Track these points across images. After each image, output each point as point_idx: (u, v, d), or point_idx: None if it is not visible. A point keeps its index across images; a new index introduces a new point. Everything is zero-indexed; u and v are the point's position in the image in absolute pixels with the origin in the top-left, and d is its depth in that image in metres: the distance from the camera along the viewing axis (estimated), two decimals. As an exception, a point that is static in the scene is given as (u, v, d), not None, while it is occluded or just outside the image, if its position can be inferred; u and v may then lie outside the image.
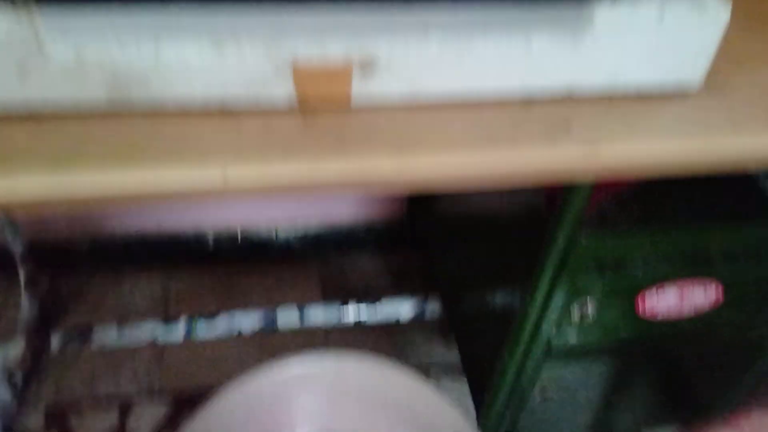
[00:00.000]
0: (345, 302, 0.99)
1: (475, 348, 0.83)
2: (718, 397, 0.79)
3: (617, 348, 0.67)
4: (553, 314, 0.61)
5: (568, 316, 0.62)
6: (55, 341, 0.88)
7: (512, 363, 0.66)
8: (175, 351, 1.05)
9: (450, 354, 1.09)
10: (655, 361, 0.71)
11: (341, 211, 1.16)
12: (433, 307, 0.96)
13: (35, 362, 1.01)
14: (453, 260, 0.93)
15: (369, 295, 1.08)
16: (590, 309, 0.61)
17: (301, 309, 0.93)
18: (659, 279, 0.61)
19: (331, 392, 0.82)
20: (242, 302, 1.12)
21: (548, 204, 0.55)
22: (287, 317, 0.91)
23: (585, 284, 0.59)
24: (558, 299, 0.60)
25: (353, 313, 0.95)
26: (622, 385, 0.74)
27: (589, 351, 0.66)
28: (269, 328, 0.89)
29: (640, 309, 0.62)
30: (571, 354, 0.66)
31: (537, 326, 0.62)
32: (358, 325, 1.08)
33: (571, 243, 0.54)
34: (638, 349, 0.68)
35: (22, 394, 0.98)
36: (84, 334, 0.88)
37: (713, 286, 0.63)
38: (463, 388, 1.02)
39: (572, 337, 0.64)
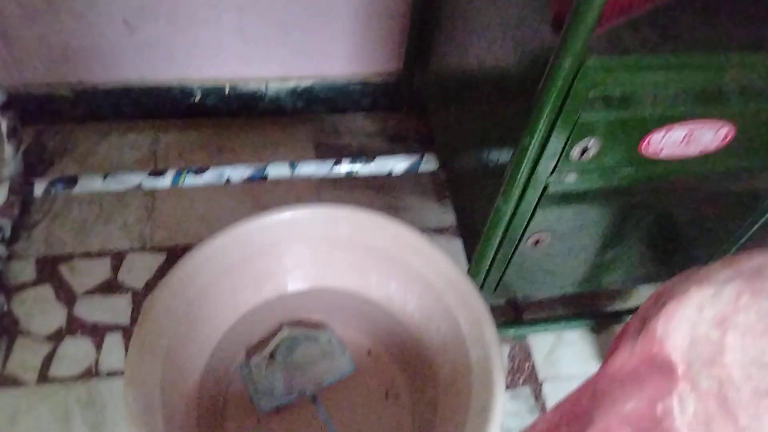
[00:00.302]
0: (338, 162, 0.95)
1: (471, 205, 0.81)
2: (717, 250, 0.78)
3: (616, 192, 0.64)
4: (551, 154, 0.58)
5: (568, 156, 0.58)
6: (39, 189, 0.85)
7: (506, 207, 0.64)
8: (165, 204, 1.03)
9: (445, 216, 1.07)
10: (653, 207, 0.69)
11: (335, 66, 1.10)
12: (428, 163, 0.93)
13: (22, 213, 1.00)
14: (451, 115, 0.89)
15: (364, 155, 1.05)
16: (592, 149, 0.58)
17: (292, 165, 0.90)
18: (668, 118, 0.57)
19: (321, 242, 0.80)
20: (232, 159, 1.09)
21: (555, 22, 0.50)
22: (278, 170, 0.88)
23: (588, 121, 0.55)
24: (558, 137, 0.56)
25: (346, 168, 0.92)
26: (617, 234, 0.72)
27: (587, 194, 0.64)
28: (259, 179, 0.86)
29: (645, 149, 0.59)
30: (568, 198, 0.64)
31: (534, 167, 0.59)
32: (351, 178, 1.06)
33: (577, 67, 0.50)
34: (638, 194, 0.66)
35: (10, 245, 0.97)
36: (69, 181, 0.85)
37: (724, 126, 0.59)
38: (457, 247, 1.02)
39: (570, 179, 0.61)
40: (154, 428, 0.63)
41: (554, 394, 0.91)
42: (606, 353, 0.94)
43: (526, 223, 0.66)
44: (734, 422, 0.45)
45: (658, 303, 0.53)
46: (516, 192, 0.62)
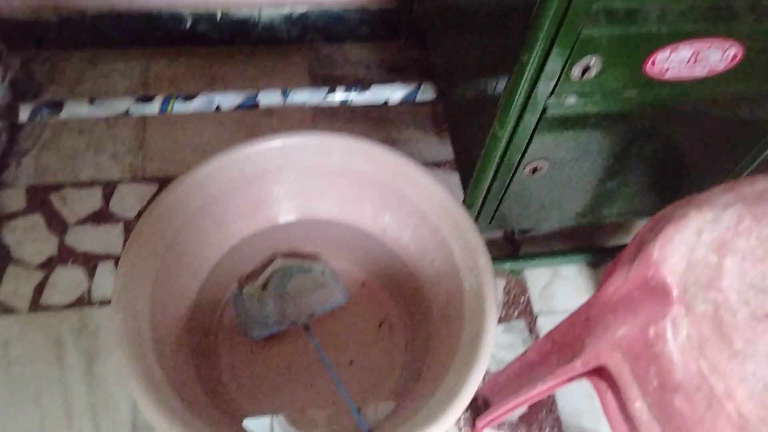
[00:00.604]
0: (332, 90, 0.92)
1: (468, 136, 0.78)
2: (721, 181, 0.75)
3: (618, 116, 0.62)
4: (551, 74, 0.55)
5: (568, 76, 0.56)
6: (24, 114, 0.83)
7: (502, 132, 0.62)
8: (156, 134, 1.01)
9: (443, 149, 1.05)
10: (657, 134, 0.66)
11: (331, -9, 1.06)
12: (426, 93, 0.90)
13: (11, 142, 0.98)
14: (450, 43, 0.85)
15: (360, 84, 1.02)
16: (593, 68, 0.55)
17: (284, 92, 0.87)
18: (675, 36, 0.54)
19: (314, 172, 0.78)
20: (224, 89, 1.06)
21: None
22: (270, 98, 0.86)
23: (590, 37, 0.52)
24: (558, 55, 0.53)
25: (340, 96, 0.89)
26: (618, 163, 0.70)
27: (587, 119, 0.61)
28: (250, 106, 0.83)
29: (649, 69, 0.56)
30: (567, 123, 0.61)
31: (532, 88, 0.57)
32: (347, 109, 1.03)
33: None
34: (641, 119, 0.63)
35: (1, 174, 0.95)
36: (54, 106, 0.83)
37: (732, 47, 0.56)
38: (455, 181, 0.99)
39: (570, 101, 0.58)
40: (144, 354, 0.62)
41: (549, 327, 0.90)
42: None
43: (523, 149, 0.64)
44: (729, 346, 0.44)
45: (656, 227, 0.51)
46: (513, 116, 0.60)
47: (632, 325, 0.49)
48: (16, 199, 0.94)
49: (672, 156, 0.70)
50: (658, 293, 0.48)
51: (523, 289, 0.94)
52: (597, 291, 0.55)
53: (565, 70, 0.55)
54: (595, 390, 0.54)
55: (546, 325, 0.91)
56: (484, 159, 0.65)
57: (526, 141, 0.62)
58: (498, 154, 0.64)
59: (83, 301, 0.86)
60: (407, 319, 0.84)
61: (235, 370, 0.80)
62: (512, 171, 0.67)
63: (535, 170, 0.67)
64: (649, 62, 0.55)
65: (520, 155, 0.64)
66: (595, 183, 0.73)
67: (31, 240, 0.90)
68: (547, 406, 0.86)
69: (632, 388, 0.48)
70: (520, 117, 0.59)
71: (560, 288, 0.95)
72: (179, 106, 0.82)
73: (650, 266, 0.49)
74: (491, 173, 0.68)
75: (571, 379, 0.58)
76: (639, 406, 0.48)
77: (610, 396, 0.52)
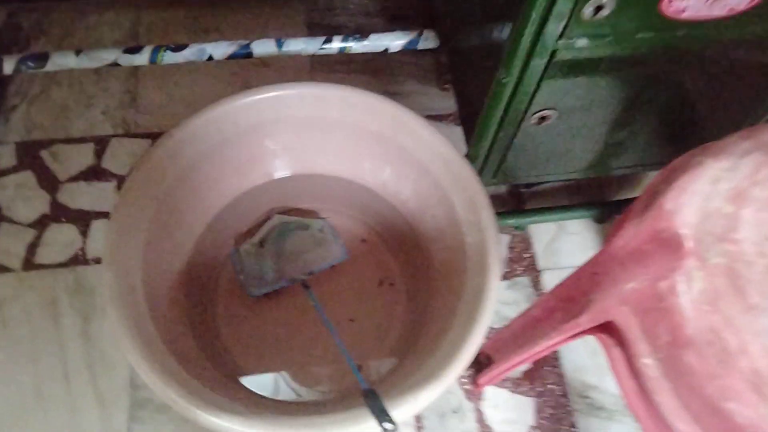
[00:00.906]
0: (329, 39, 0.88)
1: (472, 85, 0.74)
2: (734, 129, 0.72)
3: (631, 60, 0.58)
4: (560, 13, 0.51)
5: (579, 16, 0.52)
6: (8, 66, 0.80)
7: (509, 79, 0.58)
8: (148, 88, 0.98)
9: (446, 103, 1.01)
10: (671, 80, 0.63)
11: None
12: (428, 41, 0.86)
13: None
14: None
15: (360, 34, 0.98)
16: (606, 7, 0.52)
17: (279, 42, 0.83)
18: (694, -29, 0.50)
19: (311, 125, 0.75)
20: (218, 39, 1.02)
21: None
22: (264, 47, 0.82)
23: (603, -27, 0.48)
24: (568, -6, 0.50)
25: (338, 45, 0.85)
26: (629, 111, 0.66)
27: (599, 63, 0.58)
28: (243, 56, 0.80)
29: (665, 7, 0.52)
30: (577, 67, 0.58)
31: (540, 30, 0.53)
32: (346, 61, 0.99)
33: None
34: (655, 63, 0.60)
35: (-11, 129, 0.93)
36: (40, 58, 0.79)
37: (757, -17, 0.52)
38: (458, 135, 0.96)
39: (581, 44, 0.55)
40: (137, 312, 0.61)
41: (553, 283, 0.88)
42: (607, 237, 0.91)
43: (530, 97, 0.61)
44: (743, 299, 0.42)
45: (669, 177, 0.48)
46: (519, 61, 0.56)
47: (642, 280, 0.46)
48: (5, 157, 0.91)
49: (686, 104, 0.67)
50: (670, 246, 0.45)
51: (528, 245, 0.92)
52: (605, 245, 0.53)
53: (576, 9, 0.51)
54: (602, 346, 0.53)
55: (551, 281, 0.89)
56: (489, 108, 0.62)
57: (534, 88, 0.59)
58: (503, 103, 0.61)
59: (77, 260, 0.84)
60: (408, 275, 0.83)
61: (233, 328, 0.78)
62: (518, 121, 0.64)
63: (542, 120, 0.64)
64: (666, 0, 0.52)
65: (526, 103, 0.61)
66: (604, 133, 0.70)
67: (23, 198, 0.88)
68: (550, 362, 0.84)
69: (641, 343, 0.46)
70: (528, 62, 0.56)
71: (565, 243, 0.92)
72: (170, 57, 0.78)
73: (663, 218, 0.46)
74: (496, 123, 0.64)
75: (576, 336, 0.56)
76: (647, 362, 0.46)
77: (617, 352, 0.50)
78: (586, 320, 0.52)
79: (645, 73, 0.61)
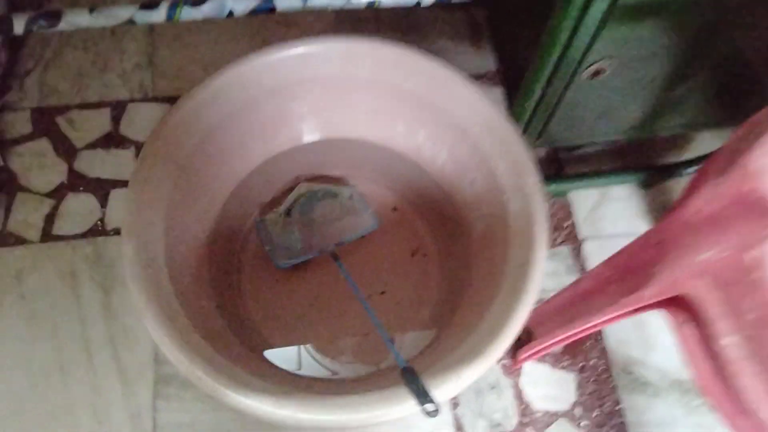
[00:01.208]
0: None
1: (516, 40, 0.68)
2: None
3: (702, 4, 0.52)
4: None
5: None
6: (19, 26, 0.75)
7: (565, 24, 0.52)
8: (166, 50, 0.93)
9: (483, 61, 0.95)
10: (742, 27, 0.56)
11: None
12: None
13: (12, 62, 0.90)
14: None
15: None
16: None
17: (305, -3, 0.78)
18: None
19: (339, 84, 0.70)
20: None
21: None
22: (289, 1, 0.76)
23: None
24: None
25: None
26: (691, 64, 0.60)
27: (667, 7, 0.51)
28: (266, 10, 0.74)
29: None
30: (642, 13, 0.52)
31: (602, -30, 0.47)
32: (374, 18, 0.93)
33: None
34: (728, 5, 0.53)
35: (2, 96, 0.89)
36: (52, 16, 0.74)
37: None
38: (497, 96, 0.90)
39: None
40: (159, 285, 0.57)
41: (596, 253, 0.84)
42: (667, 206, 0.84)
43: (585, 47, 0.55)
44: None
45: (752, 133, 0.42)
46: (577, 5, 0.50)
47: (722, 249, 0.41)
48: (21, 123, 0.87)
49: (750, 60, 0.60)
50: (757, 211, 0.40)
51: (568, 213, 0.87)
52: (671, 211, 0.47)
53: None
54: (672, 323, 0.48)
55: (593, 250, 0.84)
56: (539, 61, 0.56)
57: (591, 36, 0.53)
58: (556, 55, 0.55)
59: (96, 231, 0.81)
60: (443, 246, 0.78)
61: (259, 301, 0.75)
62: (570, 74, 0.58)
63: (596, 73, 0.58)
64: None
65: (581, 55, 0.55)
66: (659, 88, 0.64)
67: (39, 166, 0.85)
68: (592, 336, 0.80)
69: (722, 321, 0.41)
70: (587, 7, 0.50)
71: (609, 210, 0.87)
72: (188, 12, 0.73)
73: (746, 180, 0.41)
74: (545, 79, 0.59)
75: (637, 311, 0.51)
76: (729, 342, 0.41)
77: (690, 329, 0.45)
78: (650, 293, 0.47)
79: (715, 20, 0.55)
